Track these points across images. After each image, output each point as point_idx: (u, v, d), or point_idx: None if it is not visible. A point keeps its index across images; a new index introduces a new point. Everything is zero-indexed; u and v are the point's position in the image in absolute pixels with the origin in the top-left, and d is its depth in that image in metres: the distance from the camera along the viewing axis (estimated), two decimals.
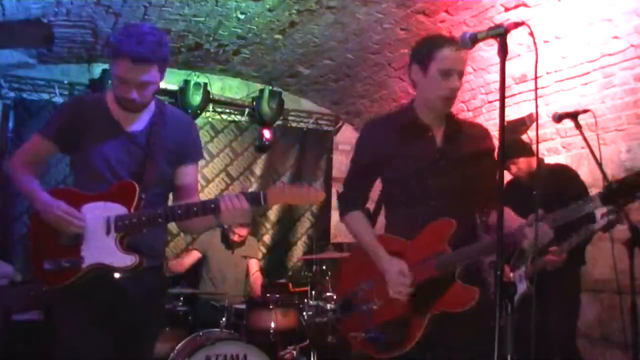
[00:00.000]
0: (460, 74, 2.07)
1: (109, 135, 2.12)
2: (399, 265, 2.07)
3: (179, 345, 3.76)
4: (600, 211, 3.19)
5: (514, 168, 3.70)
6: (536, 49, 1.59)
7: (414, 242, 2.12)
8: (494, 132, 2.09)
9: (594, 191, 4.12)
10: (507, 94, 4.10)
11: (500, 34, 1.56)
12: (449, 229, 2.05)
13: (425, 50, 2.06)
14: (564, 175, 3.68)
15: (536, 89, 1.64)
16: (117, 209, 2.04)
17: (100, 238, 2.02)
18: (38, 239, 2.12)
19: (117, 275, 2.06)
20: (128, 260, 2.01)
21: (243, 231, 4.93)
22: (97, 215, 2.04)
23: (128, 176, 2.10)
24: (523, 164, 3.65)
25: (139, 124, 2.16)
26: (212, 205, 1.98)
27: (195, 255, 4.98)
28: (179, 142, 2.22)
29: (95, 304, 2.04)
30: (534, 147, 3.72)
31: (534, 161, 3.64)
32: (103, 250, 2.02)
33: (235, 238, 4.91)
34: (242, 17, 4.63)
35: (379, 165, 2.22)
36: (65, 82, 5.33)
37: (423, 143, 2.16)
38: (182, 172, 2.24)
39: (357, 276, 2.23)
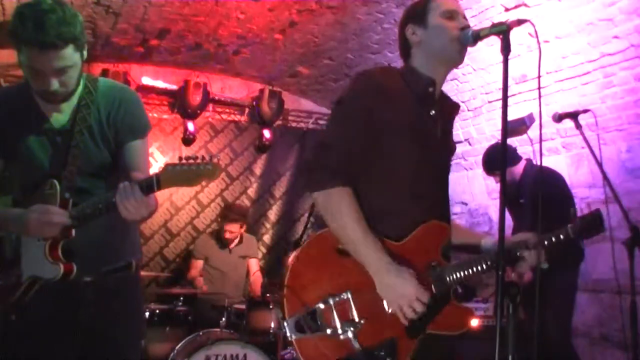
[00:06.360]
0: (464, 16, 1.84)
1: (36, 130, 1.93)
2: (414, 276, 1.64)
3: (179, 345, 3.76)
4: None
5: (496, 179, 4.08)
6: (539, 48, 1.57)
7: (405, 245, 1.72)
8: (494, 133, 2.08)
9: (591, 192, 4.15)
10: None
11: (503, 31, 1.54)
12: (445, 235, 1.76)
13: (420, 5, 1.89)
14: (549, 179, 3.72)
15: (539, 88, 1.62)
16: None
17: (33, 248, 1.83)
18: None
19: (88, 278, 1.90)
20: (54, 271, 1.80)
21: (234, 227, 4.94)
22: None
23: (55, 172, 1.90)
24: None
25: (65, 112, 1.95)
26: (114, 200, 1.68)
27: (200, 264, 5.05)
28: (111, 120, 1.96)
29: (54, 314, 1.90)
30: (535, 147, 3.74)
31: (513, 170, 3.87)
32: (35, 261, 1.83)
33: (227, 235, 4.94)
34: (242, 16, 4.63)
35: (382, 131, 1.73)
36: None
37: (426, 116, 1.82)
38: (123, 153, 1.97)
39: (319, 282, 1.69)
